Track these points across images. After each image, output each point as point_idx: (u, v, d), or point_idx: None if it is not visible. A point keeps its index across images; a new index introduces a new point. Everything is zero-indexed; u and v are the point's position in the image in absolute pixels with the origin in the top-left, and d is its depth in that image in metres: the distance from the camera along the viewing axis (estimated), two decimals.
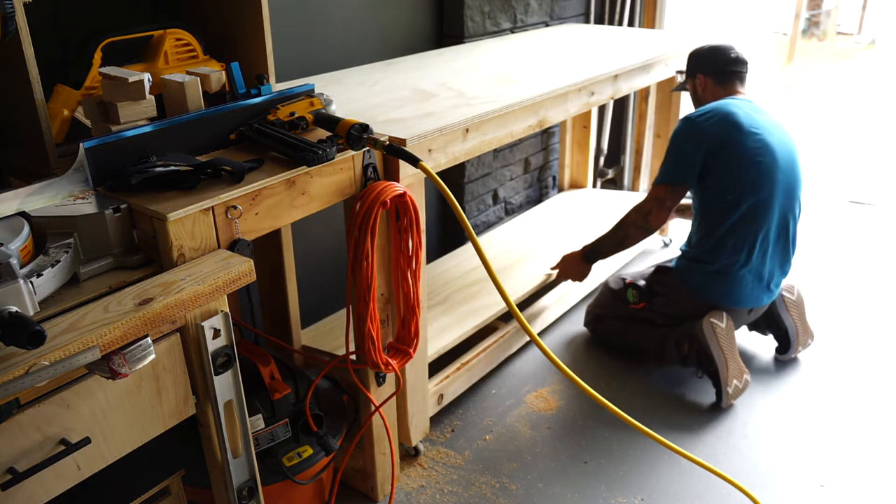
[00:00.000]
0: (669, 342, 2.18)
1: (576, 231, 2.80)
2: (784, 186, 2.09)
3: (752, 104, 2.16)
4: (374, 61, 2.28)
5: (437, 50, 2.49)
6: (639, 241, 2.27)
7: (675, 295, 2.20)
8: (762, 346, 2.40)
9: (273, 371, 1.53)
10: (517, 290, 2.45)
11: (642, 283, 2.29)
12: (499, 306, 2.23)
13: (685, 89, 2.40)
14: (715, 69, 2.23)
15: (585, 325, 2.48)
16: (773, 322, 2.30)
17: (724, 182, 2.07)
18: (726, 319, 2.10)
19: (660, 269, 2.27)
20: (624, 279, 2.35)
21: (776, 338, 2.33)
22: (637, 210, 2.21)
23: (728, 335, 2.09)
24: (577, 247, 2.43)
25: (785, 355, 2.32)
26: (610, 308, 2.38)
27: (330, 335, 2.08)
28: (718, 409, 2.12)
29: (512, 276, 2.55)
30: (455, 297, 2.31)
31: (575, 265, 2.39)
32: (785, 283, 2.30)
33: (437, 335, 2.06)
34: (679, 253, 2.25)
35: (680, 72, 2.54)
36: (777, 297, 2.27)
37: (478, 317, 2.18)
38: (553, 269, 2.47)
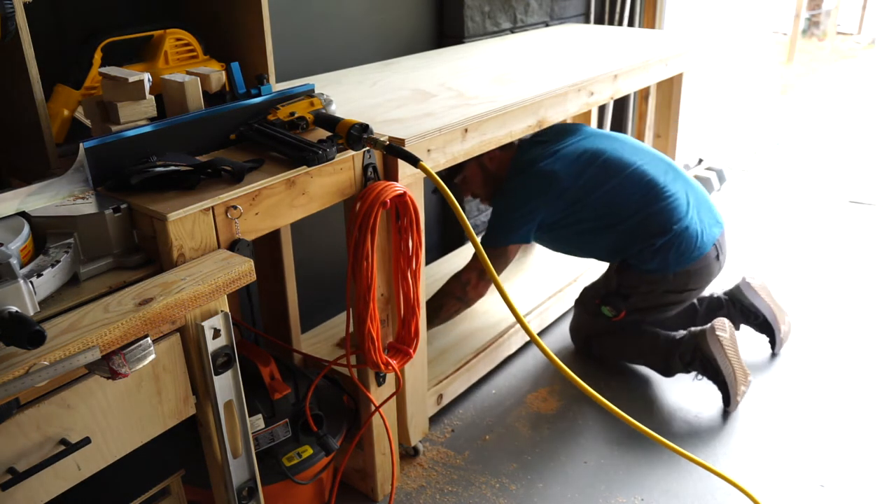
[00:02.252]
0: (674, 358, 2.14)
1: None
2: (627, 146, 2.18)
3: (543, 141, 2.18)
4: (374, 61, 2.28)
5: (437, 50, 2.49)
6: (457, 313, 2.14)
7: (648, 286, 2.13)
8: (760, 347, 2.40)
9: (273, 371, 1.53)
10: (516, 289, 2.45)
11: (609, 294, 2.18)
12: (499, 327, 2.22)
13: (454, 184, 2.28)
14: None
15: (578, 350, 2.38)
16: (748, 312, 2.31)
17: (596, 204, 2.07)
18: (729, 328, 2.09)
19: (618, 270, 2.16)
20: (594, 299, 2.22)
21: (757, 328, 2.34)
22: (456, 279, 2.10)
23: (733, 343, 2.08)
24: None
25: (775, 344, 2.32)
26: (594, 327, 2.28)
27: (330, 342, 2.08)
28: (718, 409, 2.12)
29: (510, 276, 2.56)
30: None
31: None
32: (746, 271, 2.37)
33: (437, 357, 2.05)
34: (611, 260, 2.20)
35: (451, 174, 2.28)
36: (743, 285, 2.32)
37: (478, 339, 2.16)
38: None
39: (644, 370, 2.29)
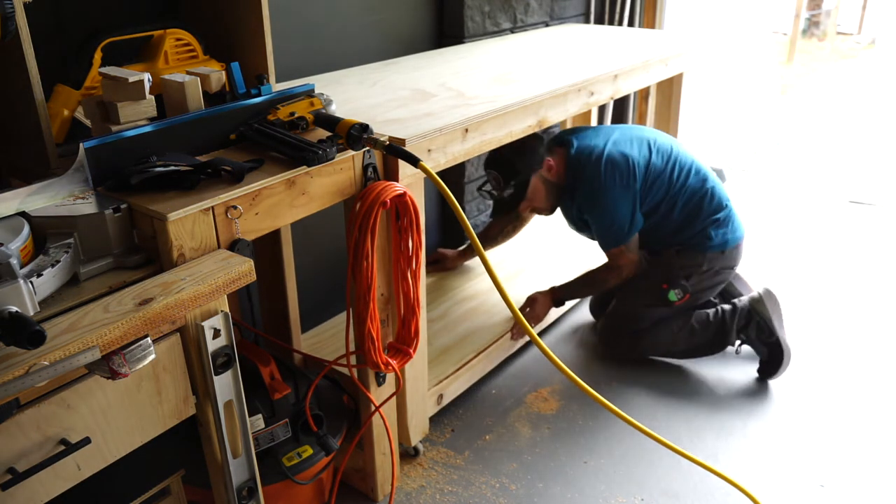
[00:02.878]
0: (731, 326, 2.23)
1: None
2: (662, 134, 2.30)
3: (581, 135, 2.25)
4: (374, 61, 2.28)
5: (437, 50, 2.49)
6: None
7: (709, 263, 2.22)
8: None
9: (273, 371, 1.53)
10: (516, 289, 2.45)
11: (673, 277, 2.23)
12: (500, 328, 2.22)
13: (512, 201, 2.26)
14: (546, 149, 2.21)
15: (623, 353, 2.31)
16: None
17: (662, 188, 2.18)
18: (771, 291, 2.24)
19: (679, 253, 2.23)
20: (660, 284, 2.22)
21: None
22: (616, 276, 2.23)
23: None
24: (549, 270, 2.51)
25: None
26: (648, 319, 2.26)
27: (330, 342, 2.08)
28: (718, 409, 2.12)
29: (511, 276, 2.56)
30: (454, 311, 2.31)
31: (544, 307, 2.32)
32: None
33: (437, 357, 2.06)
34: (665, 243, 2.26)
35: (496, 188, 2.27)
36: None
37: (478, 339, 2.16)
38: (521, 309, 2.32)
39: (643, 369, 2.29)
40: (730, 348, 2.31)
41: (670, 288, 2.22)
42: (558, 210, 2.36)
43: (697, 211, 2.20)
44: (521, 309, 2.31)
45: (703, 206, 2.20)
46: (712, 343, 2.27)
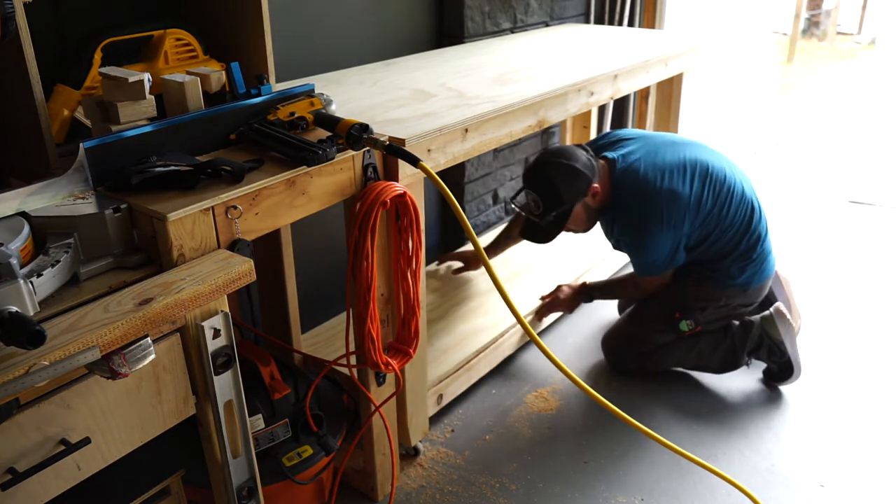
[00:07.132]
0: (741, 350, 2.16)
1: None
2: (710, 151, 2.15)
3: (626, 148, 2.13)
4: (374, 61, 2.28)
5: (437, 50, 2.49)
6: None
7: (727, 299, 2.14)
8: None
9: (273, 371, 1.53)
10: (516, 289, 2.45)
11: (688, 308, 2.16)
12: (500, 327, 2.22)
13: (549, 231, 2.10)
14: (588, 180, 2.02)
15: (627, 370, 2.27)
16: (765, 301, 2.28)
17: (710, 229, 2.07)
18: (786, 310, 2.16)
19: (697, 283, 2.14)
20: (672, 312, 2.16)
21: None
22: (641, 293, 2.24)
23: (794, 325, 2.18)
24: (568, 266, 2.48)
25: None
26: (657, 341, 2.22)
27: (330, 342, 2.08)
28: (717, 409, 2.12)
29: (511, 276, 2.56)
30: (455, 311, 2.31)
31: (571, 300, 2.35)
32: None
33: (437, 357, 2.06)
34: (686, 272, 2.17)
35: (532, 211, 2.09)
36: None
37: (478, 339, 2.16)
38: (544, 298, 2.37)
39: (642, 370, 2.29)
40: None
41: (683, 318, 2.14)
42: None
43: (735, 246, 2.08)
44: (546, 296, 2.38)
45: (742, 241, 2.08)
46: (721, 366, 2.20)
